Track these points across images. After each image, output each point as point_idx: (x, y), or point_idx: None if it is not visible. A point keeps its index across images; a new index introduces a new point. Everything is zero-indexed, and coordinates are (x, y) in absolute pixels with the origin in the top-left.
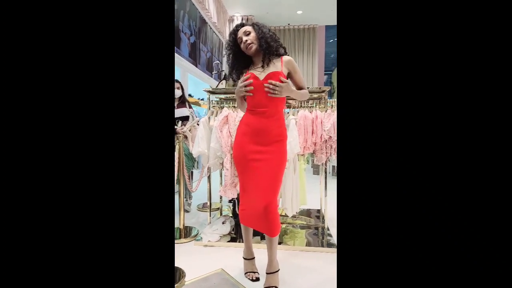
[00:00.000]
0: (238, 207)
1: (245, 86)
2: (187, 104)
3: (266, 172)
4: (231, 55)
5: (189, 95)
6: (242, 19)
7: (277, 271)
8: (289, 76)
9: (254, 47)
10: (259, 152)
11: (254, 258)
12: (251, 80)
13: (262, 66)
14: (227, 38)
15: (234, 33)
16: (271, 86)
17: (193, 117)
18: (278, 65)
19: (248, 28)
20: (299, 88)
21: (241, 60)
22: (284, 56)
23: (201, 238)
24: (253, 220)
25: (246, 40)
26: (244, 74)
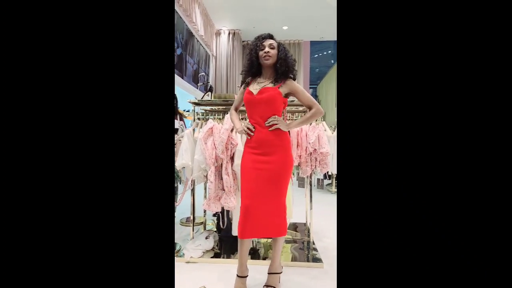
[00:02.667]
0: (222, 221)
1: (246, 131)
2: (178, 116)
3: (268, 178)
4: (249, 59)
5: None
6: (229, 33)
7: (279, 273)
8: (293, 96)
9: (270, 60)
10: (260, 161)
11: (247, 276)
12: (252, 131)
13: (266, 81)
14: (250, 44)
15: (260, 40)
16: (270, 123)
17: (182, 130)
18: (277, 84)
19: (274, 43)
20: (308, 106)
21: (253, 67)
22: None
23: (183, 254)
24: (258, 227)
25: (268, 52)
26: (249, 83)
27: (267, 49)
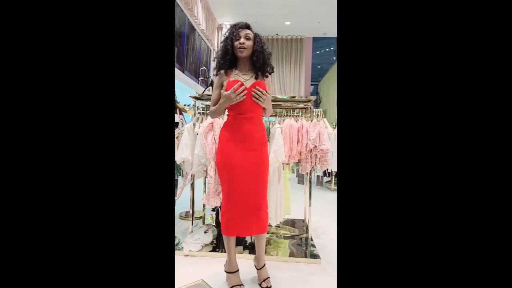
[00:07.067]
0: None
1: (238, 93)
2: (177, 110)
3: (254, 174)
4: (223, 47)
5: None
6: None
7: (264, 264)
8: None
9: (245, 52)
10: (245, 157)
11: (238, 270)
12: (244, 87)
13: (247, 74)
14: (228, 30)
15: (236, 28)
16: (258, 93)
17: (182, 124)
18: (262, 78)
19: (250, 34)
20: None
21: (229, 56)
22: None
23: (182, 247)
24: (241, 225)
25: (243, 43)
26: (226, 75)
27: (242, 39)
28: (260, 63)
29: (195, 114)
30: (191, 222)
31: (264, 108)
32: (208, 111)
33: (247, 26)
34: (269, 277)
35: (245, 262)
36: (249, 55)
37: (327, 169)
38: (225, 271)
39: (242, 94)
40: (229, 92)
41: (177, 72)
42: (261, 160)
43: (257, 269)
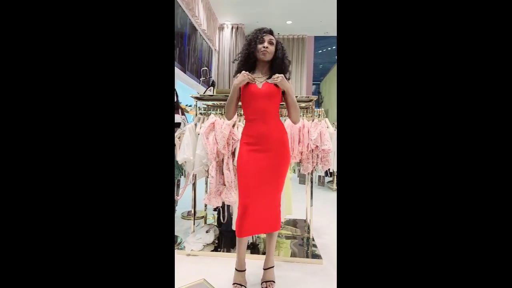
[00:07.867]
0: (222, 216)
1: (248, 77)
2: (180, 110)
3: (270, 175)
4: (246, 50)
5: None
6: (232, 28)
7: (273, 266)
8: (283, 94)
9: (267, 56)
10: (260, 158)
11: (245, 270)
12: (254, 79)
13: (262, 77)
14: (249, 35)
15: (260, 32)
16: (274, 78)
17: (184, 124)
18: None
19: (274, 40)
20: (293, 104)
21: (250, 59)
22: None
23: (184, 247)
24: (256, 224)
25: (267, 47)
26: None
27: (266, 44)
28: (278, 69)
29: (196, 114)
30: (193, 221)
31: (286, 110)
32: (209, 111)
33: (271, 32)
34: (273, 281)
35: (246, 263)
36: (270, 60)
37: (329, 169)
38: (235, 269)
39: (251, 78)
40: (242, 72)
41: (179, 72)
42: (277, 161)
43: (264, 269)
